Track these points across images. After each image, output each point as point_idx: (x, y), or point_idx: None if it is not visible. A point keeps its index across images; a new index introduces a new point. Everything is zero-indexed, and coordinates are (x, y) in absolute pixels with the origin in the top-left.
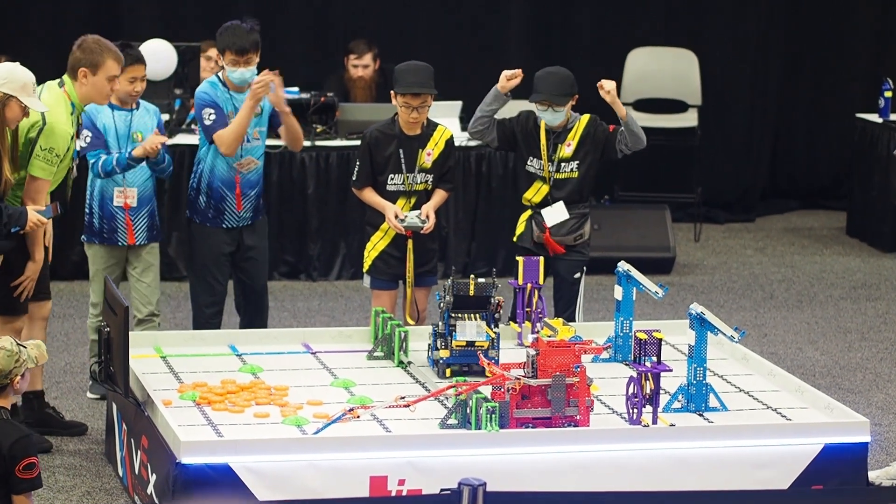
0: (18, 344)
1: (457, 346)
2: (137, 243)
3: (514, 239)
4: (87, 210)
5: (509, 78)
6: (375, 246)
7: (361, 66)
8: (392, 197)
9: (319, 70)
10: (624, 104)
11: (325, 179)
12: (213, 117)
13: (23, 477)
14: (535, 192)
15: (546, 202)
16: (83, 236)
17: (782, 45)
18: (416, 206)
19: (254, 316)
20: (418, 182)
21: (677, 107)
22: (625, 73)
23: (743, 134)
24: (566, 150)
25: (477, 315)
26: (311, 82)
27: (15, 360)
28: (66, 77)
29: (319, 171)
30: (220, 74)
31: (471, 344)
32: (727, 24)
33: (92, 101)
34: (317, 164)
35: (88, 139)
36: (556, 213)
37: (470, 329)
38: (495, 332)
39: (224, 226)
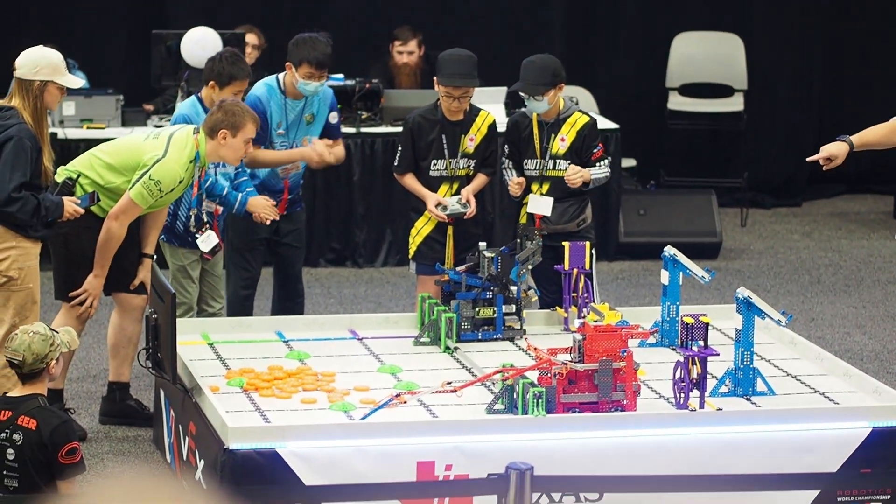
0: (51, 329)
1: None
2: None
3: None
4: (170, 213)
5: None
6: (420, 231)
7: (406, 52)
8: (435, 182)
9: (364, 57)
10: (670, 89)
11: (371, 166)
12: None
13: (66, 462)
14: (533, 193)
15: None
16: (161, 236)
17: (828, 28)
18: (459, 192)
19: (287, 301)
20: (461, 167)
21: (723, 91)
22: (670, 57)
23: (789, 118)
24: (560, 144)
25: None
26: (356, 69)
27: (50, 344)
28: (202, 129)
29: (365, 157)
30: (280, 78)
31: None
32: (772, 8)
33: (224, 161)
34: (362, 151)
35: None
36: (540, 205)
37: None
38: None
39: None
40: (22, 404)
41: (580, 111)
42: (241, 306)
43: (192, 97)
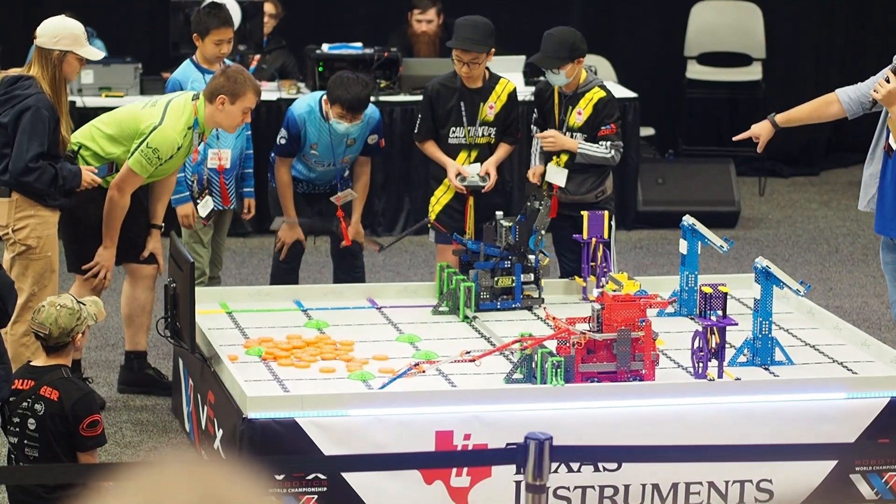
0: (78, 301)
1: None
2: (232, 207)
3: None
4: (181, 176)
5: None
6: (439, 200)
7: (425, 20)
8: (454, 150)
9: (383, 25)
10: (688, 58)
11: (390, 134)
12: (283, 141)
13: (87, 434)
14: (552, 163)
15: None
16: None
17: None
18: (478, 160)
19: (344, 275)
20: (480, 135)
21: (741, 60)
22: (689, 26)
23: (807, 87)
24: (577, 118)
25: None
26: (374, 38)
27: (77, 317)
28: (202, 95)
29: (384, 125)
30: (322, 101)
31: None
32: None
33: (220, 127)
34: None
35: (284, 140)
36: (556, 175)
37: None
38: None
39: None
40: (45, 375)
41: (600, 86)
42: (282, 279)
43: (187, 59)
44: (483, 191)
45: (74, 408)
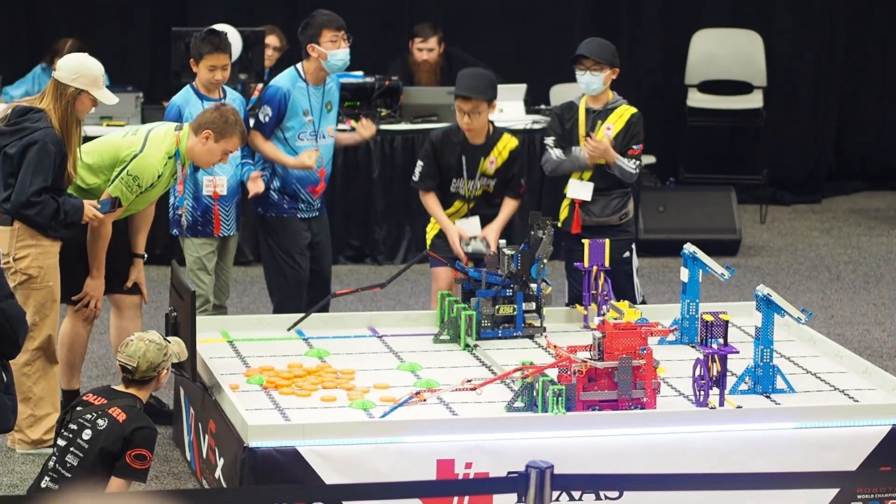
0: (164, 339)
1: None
2: (222, 234)
3: (559, 224)
4: (176, 202)
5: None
6: (435, 225)
7: (426, 49)
8: (450, 197)
9: (384, 53)
10: (689, 86)
11: (391, 163)
12: (266, 119)
13: (130, 464)
14: (574, 178)
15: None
16: (173, 231)
17: (847, 26)
18: (474, 211)
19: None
20: (478, 188)
21: (742, 88)
22: (690, 54)
23: (808, 115)
24: (606, 133)
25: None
26: (375, 66)
27: (164, 353)
28: (187, 127)
29: (384, 154)
30: (299, 68)
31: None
32: (792, 5)
33: (195, 161)
34: (382, 148)
35: (268, 117)
36: (580, 190)
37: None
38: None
39: (299, 216)
40: (119, 398)
41: (627, 104)
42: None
43: (187, 85)
44: (485, 258)
45: (133, 433)
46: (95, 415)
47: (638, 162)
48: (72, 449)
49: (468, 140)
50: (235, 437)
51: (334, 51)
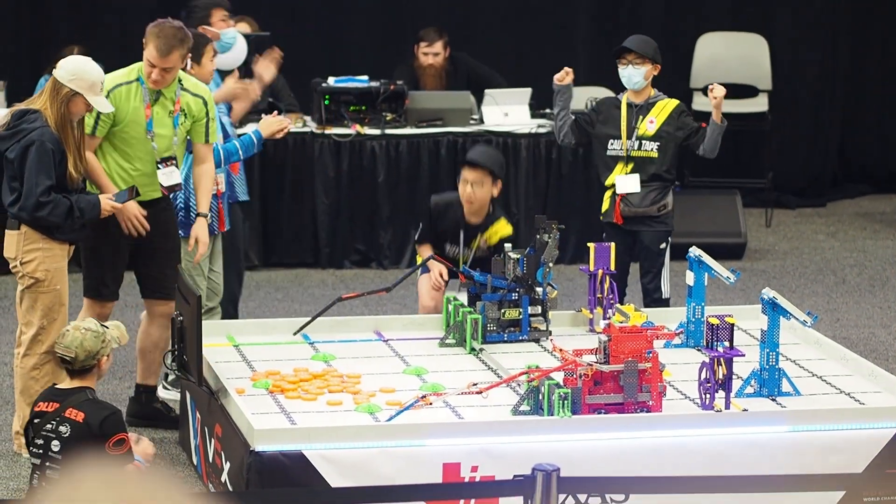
0: (102, 325)
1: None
2: (226, 230)
3: (601, 216)
4: (181, 204)
5: (561, 79)
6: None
7: (432, 53)
8: (445, 257)
9: (389, 58)
10: (694, 90)
11: (396, 168)
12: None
13: (114, 453)
14: (617, 173)
15: None
16: (181, 232)
17: (851, 28)
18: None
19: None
20: (472, 256)
21: (748, 91)
22: (695, 58)
23: (813, 118)
24: (648, 126)
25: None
26: (380, 71)
27: (101, 340)
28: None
29: (390, 159)
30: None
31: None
32: (796, 8)
33: (145, 79)
34: (387, 153)
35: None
36: (628, 183)
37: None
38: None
39: None
40: (70, 397)
41: (668, 98)
42: (236, 307)
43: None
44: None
45: (102, 427)
46: (55, 423)
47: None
48: (48, 464)
49: (467, 218)
50: (241, 441)
51: (225, 30)
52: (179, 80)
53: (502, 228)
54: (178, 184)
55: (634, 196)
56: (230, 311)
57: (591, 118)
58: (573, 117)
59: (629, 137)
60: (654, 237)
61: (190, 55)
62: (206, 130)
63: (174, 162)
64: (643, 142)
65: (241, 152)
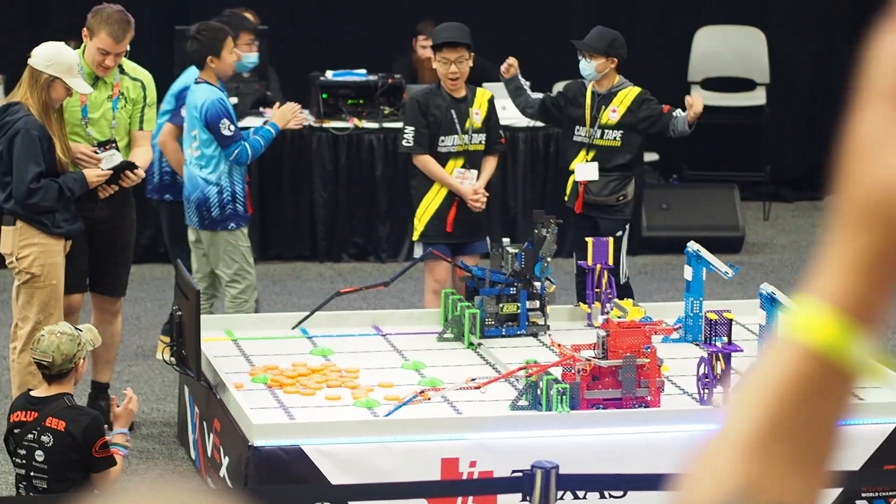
0: (76, 328)
1: None
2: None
3: (566, 199)
4: (228, 197)
5: (505, 71)
6: (427, 208)
7: (430, 46)
8: (443, 159)
9: (386, 51)
10: (692, 83)
11: (394, 160)
12: (231, 128)
13: (100, 456)
14: (580, 160)
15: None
16: (231, 224)
17: (849, 21)
18: (465, 166)
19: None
20: (473, 142)
21: (745, 85)
22: (692, 51)
23: (811, 111)
24: (610, 115)
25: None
26: (378, 64)
27: (77, 343)
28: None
29: (388, 152)
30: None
31: None
32: (794, 1)
33: (89, 65)
34: (385, 146)
35: (231, 128)
36: (587, 171)
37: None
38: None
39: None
40: (48, 405)
41: (632, 86)
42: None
43: (204, 81)
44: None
45: (85, 434)
46: (36, 433)
47: (677, 112)
48: (33, 474)
49: (452, 94)
50: (240, 436)
51: (249, 53)
52: (119, 64)
53: (485, 93)
54: (118, 164)
55: (594, 184)
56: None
57: (559, 101)
58: (541, 97)
59: (592, 126)
60: (612, 225)
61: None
62: (142, 117)
63: (114, 145)
64: (605, 131)
65: (263, 147)
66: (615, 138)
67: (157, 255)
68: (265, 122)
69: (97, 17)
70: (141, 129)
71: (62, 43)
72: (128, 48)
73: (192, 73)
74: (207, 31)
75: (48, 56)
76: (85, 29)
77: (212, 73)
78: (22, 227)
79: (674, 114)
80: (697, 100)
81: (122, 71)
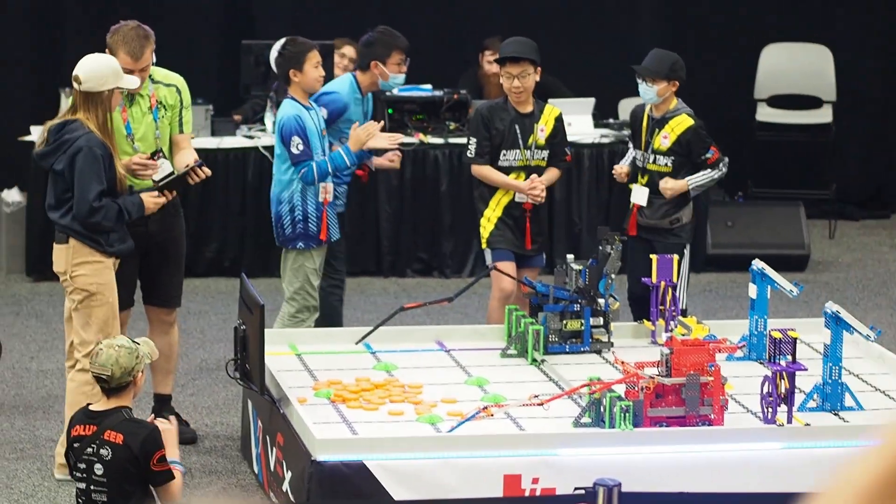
0: (133, 341)
1: None
2: (333, 239)
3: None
4: (300, 216)
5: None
6: (490, 219)
7: (495, 61)
8: (504, 172)
9: (453, 67)
10: (758, 100)
11: (458, 176)
12: (300, 147)
13: (158, 470)
14: (637, 183)
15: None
16: (300, 243)
17: None
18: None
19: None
20: (535, 158)
21: (812, 102)
22: (759, 69)
23: (877, 130)
24: (662, 141)
25: None
26: (444, 80)
27: (135, 356)
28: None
29: (452, 168)
30: (356, 75)
31: None
32: (860, 19)
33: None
34: (450, 162)
35: (301, 147)
36: (639, 195)
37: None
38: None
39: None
40: (106, 418)
41: (688, 114)
42: (333, 316)
43: (349, 75)
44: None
45: (142, 446)
46: (95, 446)
47: (719, 163)
48: (93, 487)
49: (517, 109)
50: (303, 451)
51: (397, 74)
52: (150, 74)
53: (553, 111)
54: (170, 173)
55: (647, 209)
56: (335, 322)
57: (632, 135)
58: (630, 154)
59: (645, 150)
60: (666, 248)
61: (292, 65)
62: (180, 120)
63: (161, 154)
64: (657, 156)
65: (331, 170)
66: (666, 164)
67: (221, 269)
68: (338, 149)
69: (115, 38)
70: (181, 131)
71: (96, 53)
72: (153, 59)
73: (338, 83)
74: (292, 45)
75: (99, 74)
76: (107, 49)
77: (298, 89)
78: (75, 245)
79: (720, 165)
80: (669, 189)
81: (153, 80)
